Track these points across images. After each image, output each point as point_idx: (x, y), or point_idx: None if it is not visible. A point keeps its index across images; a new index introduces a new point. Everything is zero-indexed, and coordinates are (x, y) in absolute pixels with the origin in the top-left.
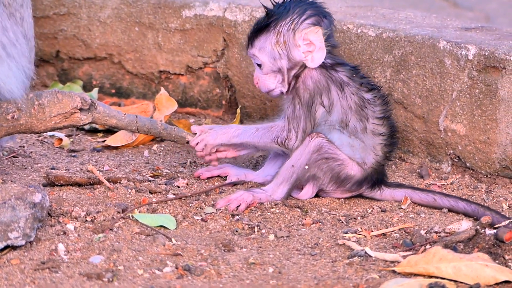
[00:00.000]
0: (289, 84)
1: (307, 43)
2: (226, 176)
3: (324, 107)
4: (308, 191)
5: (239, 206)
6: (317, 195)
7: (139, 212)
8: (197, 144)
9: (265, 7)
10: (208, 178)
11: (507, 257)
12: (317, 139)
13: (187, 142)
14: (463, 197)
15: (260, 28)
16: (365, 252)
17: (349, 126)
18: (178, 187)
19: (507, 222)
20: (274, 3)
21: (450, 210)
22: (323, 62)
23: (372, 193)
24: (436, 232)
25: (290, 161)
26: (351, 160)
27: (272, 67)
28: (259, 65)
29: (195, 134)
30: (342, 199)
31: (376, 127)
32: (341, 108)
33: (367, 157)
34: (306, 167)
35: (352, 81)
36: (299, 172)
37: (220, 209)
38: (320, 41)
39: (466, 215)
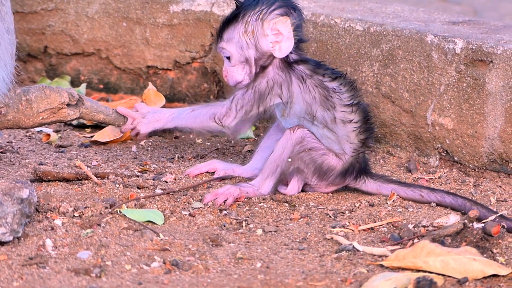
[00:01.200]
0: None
1: (275, 33)
2: (214, 172)
3: (281, 99)
4: (294, 187)
5: (226, 200)
6: (303, 190)
7: (127, 207)
8: (131, 130)
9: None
10: (196, 175)
11: (495, 251)
12: (299, 130)
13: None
14: (451, 191)
15: (229, 20)
16: (353, 247)
17: (317, 117)
18: (166, 182)
19: (494, 216)
20: None
21: (437, 205)
22: (287, 56)
23: (357, 184)
24: (424, 226)
25: (274, 155)
26: (330, 151)
27: (239, 58)
28: (228, 58)
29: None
30: (330, 194)
31: (346, 115)
32: (304, 101)
33: (344, 147)
34: (289, 160)
35: (315, 74)
36: (283, 165)
37: (208, 204)
38: (288, 31)
39: (454, 209)
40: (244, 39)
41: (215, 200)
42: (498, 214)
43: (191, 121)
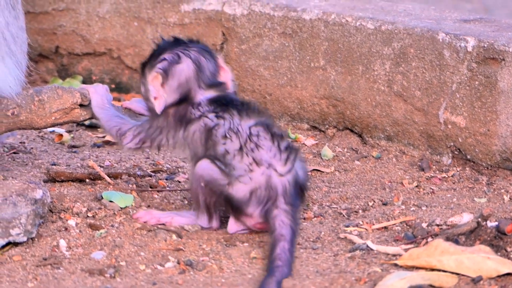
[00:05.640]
0: None
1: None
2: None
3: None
4: (230, 223)
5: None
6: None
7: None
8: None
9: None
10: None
11: (509, 249)
12: (202, 161)
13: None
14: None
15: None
16: (367, 246)
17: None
18: (179, 182)
19: None
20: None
21: None
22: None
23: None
24: (438, 225)
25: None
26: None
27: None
28: None
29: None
30: (343, 192)
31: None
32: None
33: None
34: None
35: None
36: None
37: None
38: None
39: None
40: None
41: (141, 219)
42: None
43: (105, 120)
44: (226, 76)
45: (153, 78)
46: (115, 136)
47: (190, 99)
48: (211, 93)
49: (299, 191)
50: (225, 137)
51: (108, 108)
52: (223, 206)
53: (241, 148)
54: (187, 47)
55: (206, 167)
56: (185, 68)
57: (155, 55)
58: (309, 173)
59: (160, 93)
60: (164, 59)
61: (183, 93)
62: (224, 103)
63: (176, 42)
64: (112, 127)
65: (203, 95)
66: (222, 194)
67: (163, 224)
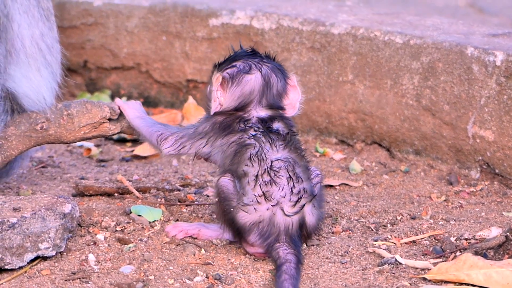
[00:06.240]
0: None
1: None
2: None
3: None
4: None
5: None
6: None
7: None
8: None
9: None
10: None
11: None
12: (224, 176)
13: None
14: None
15: None
16: (395, 260)
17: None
18: (208, 196)
19: None
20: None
21: None
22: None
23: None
24: (466, 239)
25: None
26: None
27: None
28: None
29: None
30: (372, 207)
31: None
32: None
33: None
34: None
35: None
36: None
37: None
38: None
39: None
40: None
41: (170, 233)
42: None
43: (143, 127)
44: (294, 97)
45: (217, 80)
46: (156, 141)
47: (245, 111)
48: (266, 113)
49: (304, 234)
50: (250, 159)
51: (146, 117)
52: (230, 228)
53: (256, 177)
54: (262, 61)
55: (225, 183)
56: (252, 79)
57: (228, 60)
58: (321, 222)
59: (219, 95)
60: (235, 65)
61: (242, 103)
62: (268, 127)
63: (253, 53)
64: (154, 132)
65: (258, 112)
66: (229, 215)
67: (191, 236)
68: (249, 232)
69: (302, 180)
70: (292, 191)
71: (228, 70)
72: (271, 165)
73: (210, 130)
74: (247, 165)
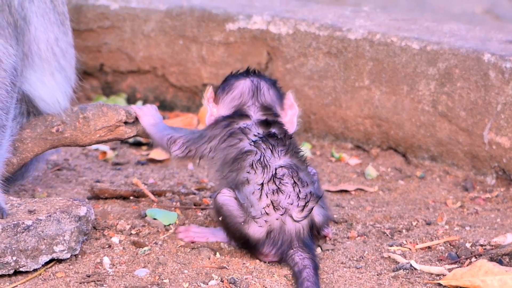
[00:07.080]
0: None
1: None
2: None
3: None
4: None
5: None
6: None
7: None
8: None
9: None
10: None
11: None
12: (222, 192)
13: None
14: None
15: None
16: (411, 265)
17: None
18: None
19: None
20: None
21: None
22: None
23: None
24: (482, 245)
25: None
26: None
27: None
28: None
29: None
30: (387, 212)
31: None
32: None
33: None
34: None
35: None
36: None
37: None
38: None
39: None
40: None
41: (179, 234)
42: None
43: (154, 132)
44: (292, 113)
45: (207, 93)
46: (166, 144)
47: (243, 115)
48: (264, 115)
49: (315, 234)
50: (251, 166)
51: (159, 123)
52: (240, 242)
53: (262, 186)
54: (255, 74)
55: (226, 201)
56: (241, 84)
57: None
58: (329, 219)
59: (211, 107)
60: (225, 79)
61: (237, 107)
62: (267, 131)
63: (247, 71)
64: (164, 136)
65: (256, 115)
66: (238, 231)
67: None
68: (263, 244)
69: (307, 184)
70: (298, 196)
71: (220, 84)
72: (275, 172)
73: (214, 135)
74: (248, 172)
